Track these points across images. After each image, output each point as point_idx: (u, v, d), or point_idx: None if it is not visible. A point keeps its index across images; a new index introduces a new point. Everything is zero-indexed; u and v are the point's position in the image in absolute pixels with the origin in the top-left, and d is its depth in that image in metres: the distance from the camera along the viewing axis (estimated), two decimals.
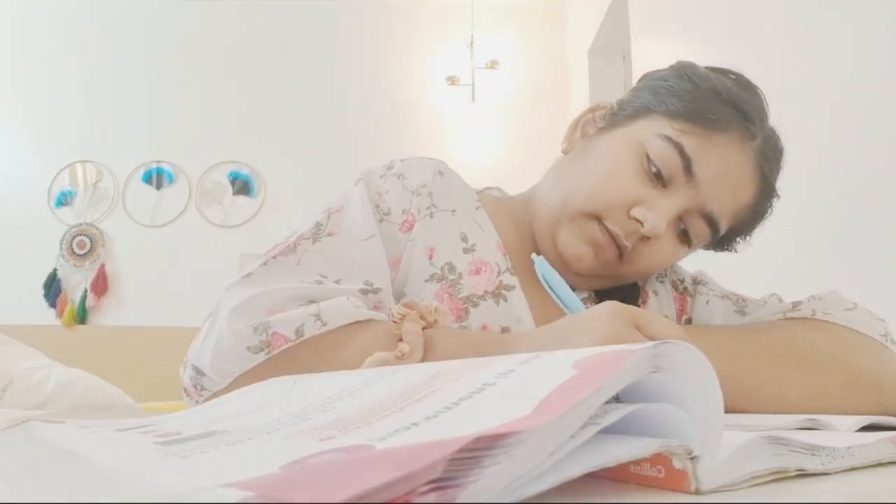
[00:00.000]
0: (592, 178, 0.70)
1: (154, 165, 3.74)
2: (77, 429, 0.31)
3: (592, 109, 0.79)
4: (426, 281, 0.70)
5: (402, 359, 0.51)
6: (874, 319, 0.68)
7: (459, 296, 0.70)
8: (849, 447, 0.27)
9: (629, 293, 0.78)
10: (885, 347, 0.66)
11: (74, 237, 3.64)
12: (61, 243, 3.63)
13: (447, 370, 0.25)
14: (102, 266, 3.61)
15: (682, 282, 0.83)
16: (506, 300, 0.71)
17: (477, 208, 0.78)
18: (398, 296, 0.70)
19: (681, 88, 0.70)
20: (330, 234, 0.68)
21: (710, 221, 0.70)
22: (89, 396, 1.54)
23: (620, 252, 0.69)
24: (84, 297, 3.55)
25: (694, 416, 0.21)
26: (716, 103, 0.68)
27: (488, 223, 0.77)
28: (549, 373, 0.22)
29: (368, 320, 0.59)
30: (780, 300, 0.75)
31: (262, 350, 0.56)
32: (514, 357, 0.24)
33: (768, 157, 0.71)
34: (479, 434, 0.16)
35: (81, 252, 3.62)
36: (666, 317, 0.80)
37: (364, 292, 0.64)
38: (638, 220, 0.67)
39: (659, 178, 0.68)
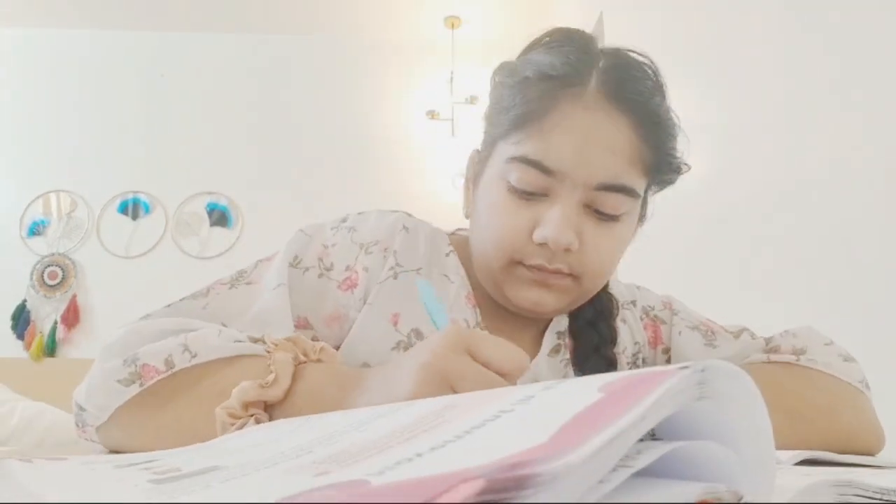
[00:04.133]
0: (488, 231, 0.68)
1: (131, 196, 3.69)
2: (78, 465, 0.29)
3: (471, 161, 0.77)
4: (392, 349, 0.67)
5: (266, 387, 0.49)
6: (851, 363, 0.69)
7: None
8: None
9: (602, 316, 0.75)
10: (863, 395, 0.68)
11: (46, 267, 3.56)
12: (32, 273, 3.54)
13: (464, 401, 0.23)
14: (74, 297, 3.53)
15: (653, 308, 0.81)
16: None
17: (447, 255, 0.75)
18: (357, 363, 0.67)
19: (500, 101, 0.69)
20: (249, 283, 0.67)
21: (612, 188, 0.65)
22: (54, 432, 1.49)
23: (565, 273, 0.66)
24: (54, 329, 3.46)
25: (742, 454, 0.18)
26: (530, 88, 0.66)
27: (459, 271, 0.75)
28: (571, 397, 0.19)
29: (238, 356, 0.56)
30: (753, 336, 0.75)
31: (134, 382, 0.55)
32: (537, 384, 0.22)
33: (616, 83, 0.65)
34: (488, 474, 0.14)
35: (52, 283, 3.54)
36: (636, 343, 0.78)
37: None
38: (544, 243, 0.65)
39: (533, 195, 0.65)
